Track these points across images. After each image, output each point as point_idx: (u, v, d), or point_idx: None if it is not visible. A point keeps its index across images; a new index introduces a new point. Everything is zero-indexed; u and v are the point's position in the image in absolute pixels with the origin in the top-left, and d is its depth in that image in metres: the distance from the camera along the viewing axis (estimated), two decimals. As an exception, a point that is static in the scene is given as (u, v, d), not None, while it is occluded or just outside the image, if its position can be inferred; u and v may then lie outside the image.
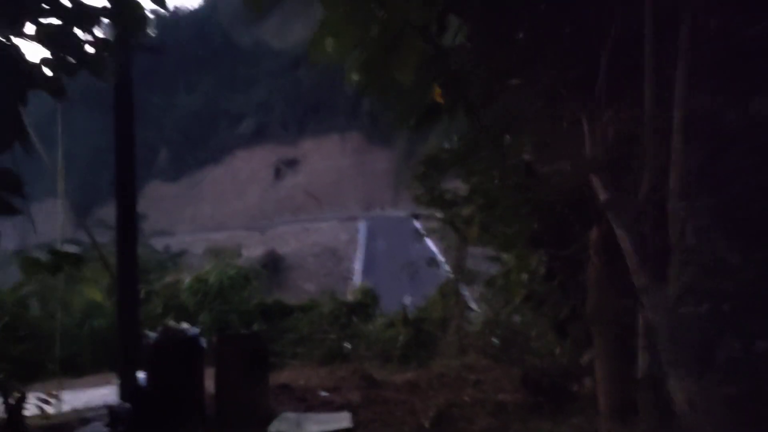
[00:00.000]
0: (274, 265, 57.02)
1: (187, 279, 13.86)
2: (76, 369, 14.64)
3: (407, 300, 12.27)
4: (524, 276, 6.37)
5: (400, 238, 52.72)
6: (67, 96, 3.40)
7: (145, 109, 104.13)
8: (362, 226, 64.02)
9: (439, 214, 9.00)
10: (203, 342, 6.33)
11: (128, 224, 6.72)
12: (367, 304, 13.95)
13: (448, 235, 11.32)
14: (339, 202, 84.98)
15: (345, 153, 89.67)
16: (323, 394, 7.19)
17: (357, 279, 39.77)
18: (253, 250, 59.65)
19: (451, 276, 11.48)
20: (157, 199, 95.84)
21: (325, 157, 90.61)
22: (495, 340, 9.59)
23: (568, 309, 5.47)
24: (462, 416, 6.29)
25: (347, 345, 11.19)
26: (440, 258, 16.03)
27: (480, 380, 7.85)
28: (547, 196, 4.64)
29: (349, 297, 15.24)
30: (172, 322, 6.35)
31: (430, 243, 32.41)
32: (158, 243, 51.10)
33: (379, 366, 9.98)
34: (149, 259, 18.52)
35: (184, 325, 6.39)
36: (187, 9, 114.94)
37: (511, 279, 6.33)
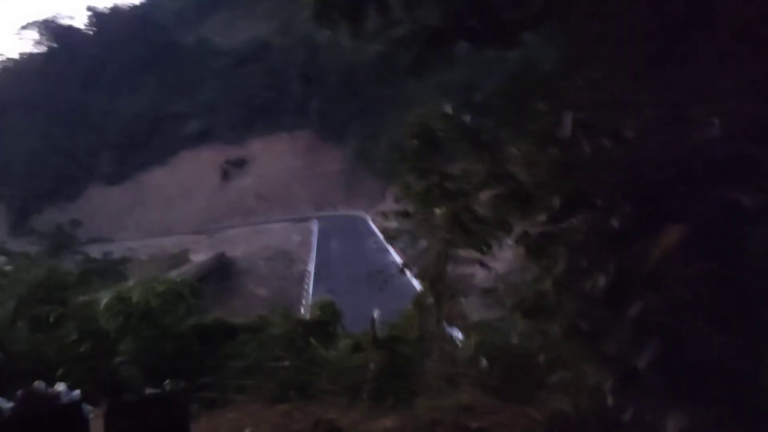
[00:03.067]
0: (223, 270, 54.27)
1: (105, 298, 11.39)
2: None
3: (376, 314, 10.20)
4: (562, 297, 4.43)
5: (355, 238, 51.00)
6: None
7: (84, 112, 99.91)
8: (314, 227, 62.14)
9: (435, 209, 6.96)
10: (88, 412, 4.16)
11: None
12: (327, 321, 11.89)
13: (423, 236, 9.33)
14: (290, 203, 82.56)
15: (295, 152, 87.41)
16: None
17: (310, 284, 37.58)
18: (201, 255, 56.98)
19: (428, 287, 9.48)
20: (98, 205, 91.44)
21: (275, 157, 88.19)
22: (486, 363, 7.69)
23: (653, 352, 3.56)
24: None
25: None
26: (402, 263, 14.08)
27: (485, 429, 5.91)
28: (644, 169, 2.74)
29: (305, 313, 13.13)
30: (39, 383, 4.16)
31: (388, 246, 30.46)
32: (97, 250, 47.77)
33: (347, 405, 7.89)
34: (68, 273, 15.77)
35: (60, 387, 4.19)
36: (127, 6, 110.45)
37: (546, 301, 4.35)
